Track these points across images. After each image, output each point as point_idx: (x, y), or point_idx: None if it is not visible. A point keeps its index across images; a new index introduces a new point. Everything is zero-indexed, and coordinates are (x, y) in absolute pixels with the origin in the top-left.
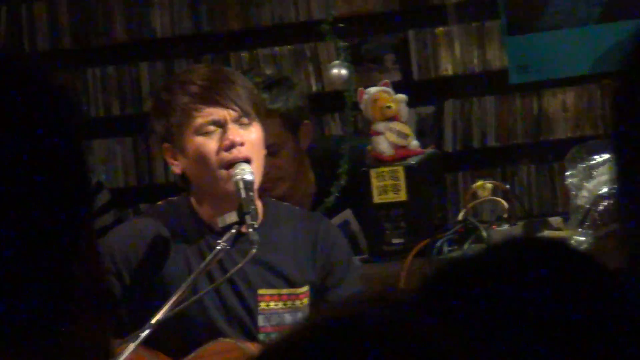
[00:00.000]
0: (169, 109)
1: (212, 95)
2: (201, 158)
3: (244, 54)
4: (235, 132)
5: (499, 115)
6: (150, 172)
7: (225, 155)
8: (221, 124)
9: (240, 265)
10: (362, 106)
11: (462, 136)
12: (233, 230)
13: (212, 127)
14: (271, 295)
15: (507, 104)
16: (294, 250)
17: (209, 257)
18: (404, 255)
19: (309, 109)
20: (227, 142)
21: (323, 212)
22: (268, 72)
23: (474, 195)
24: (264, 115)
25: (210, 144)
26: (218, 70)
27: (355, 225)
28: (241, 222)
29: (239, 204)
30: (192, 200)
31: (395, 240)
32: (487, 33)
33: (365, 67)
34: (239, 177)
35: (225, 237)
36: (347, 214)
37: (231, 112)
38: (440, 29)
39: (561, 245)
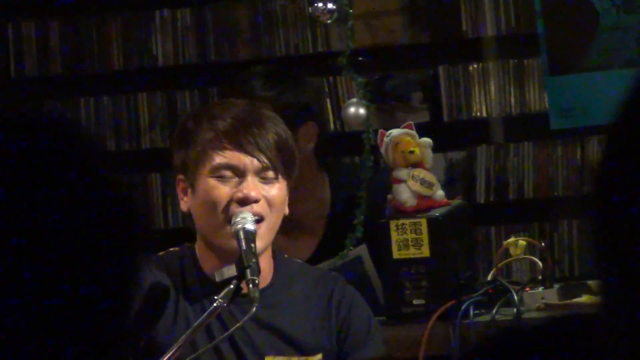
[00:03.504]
0: (190, 140)
1: (238, 138)
2: (209, 203)
3: None
4: (252, 186)
5: (538, 163)
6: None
7: (236, 209)
8: (240, 172)
9: (239, 324)
10: (382, 150)
11: (495, 186)
12: (231, 286)
13: (228, 173)
14: None
15: (547, 151)
16: (306, 313)
17: (204, 315)
18: (425, 318)
19: (316, 112)
20: (239, 195)
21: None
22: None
23: (506, 253)
24: (295, 171)
25: (221, 191)
26: (253, 111)
27: (369, 264)
28: (240, 276)
29: (239, 257)
30: (197, 249)
31: (416, 301)
32: (527, 72)
33: (388, 105)
34: (239, 226)
35: (222, 294)
36: (361, 250)
37: (254, 161)
38: (474, 66)
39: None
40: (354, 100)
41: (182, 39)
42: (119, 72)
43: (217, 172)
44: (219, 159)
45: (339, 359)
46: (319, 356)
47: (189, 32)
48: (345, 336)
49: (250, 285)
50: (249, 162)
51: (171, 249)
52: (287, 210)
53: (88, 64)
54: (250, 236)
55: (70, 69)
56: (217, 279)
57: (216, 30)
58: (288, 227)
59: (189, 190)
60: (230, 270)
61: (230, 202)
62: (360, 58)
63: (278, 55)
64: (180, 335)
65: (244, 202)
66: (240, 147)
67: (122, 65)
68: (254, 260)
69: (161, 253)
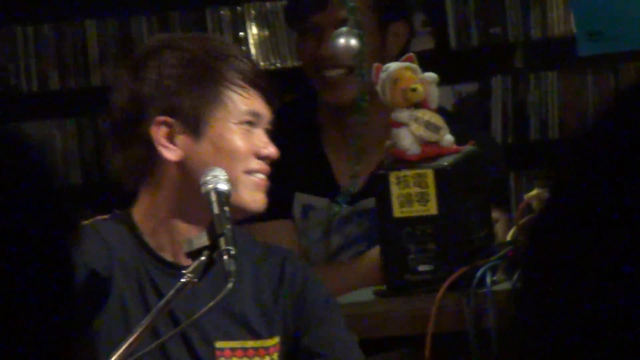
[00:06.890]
0: (205, 77)
1: (260, 81)
2: (227, 154)
3: (224, 12)
4: (270, 143)
5: (564, 97)
6: (100, 166)
7: (253, 163)
8: (258, 121)
9: (212, 304)
10: (378, 87)
11: (514, 125)
12: (203, 257)
13: (252, 118)
14: (233, 349)
15: (574, 82)
16: (257, 293)
17: (171, 292)
18: (434, 288)
19: (410, 9)
20: (265, 152)
21: None
22: None
23: (529, 208)
24: None
25: (245, 142)
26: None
27: None
28: (214, 246)
29: (210, 223)
30: (136, 216)
31: (423, 268)
32: None
33: None
34: (210, 186)
35: (191, 267)
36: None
37: (270, 111)
38: None
39: None
40: (344, 29)
41: None
42: None
43: (243, 119)
44: (245, 104)
45: (296, 340)
46: (276, 339)
47: None
48: (299, 315)
49: (225, 257)
50: (267, 111)
51: (99, 217)
52: None
53: None
54: (224, 198)
55: None
56: (186, 249)
57: None
58: None
59: (182, 137)
60: (202, 239)
61: (247, 154)
62: None
63: None
64: (113, 318)
65: (263, 158)
66: (262, 93)
67: None
68: (228, 227)
69: (86, 222)
